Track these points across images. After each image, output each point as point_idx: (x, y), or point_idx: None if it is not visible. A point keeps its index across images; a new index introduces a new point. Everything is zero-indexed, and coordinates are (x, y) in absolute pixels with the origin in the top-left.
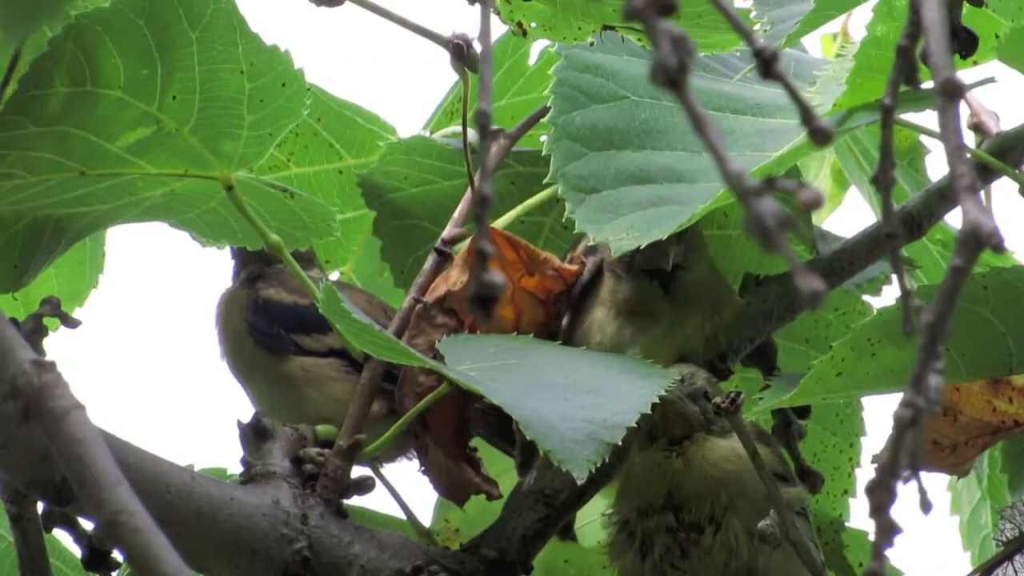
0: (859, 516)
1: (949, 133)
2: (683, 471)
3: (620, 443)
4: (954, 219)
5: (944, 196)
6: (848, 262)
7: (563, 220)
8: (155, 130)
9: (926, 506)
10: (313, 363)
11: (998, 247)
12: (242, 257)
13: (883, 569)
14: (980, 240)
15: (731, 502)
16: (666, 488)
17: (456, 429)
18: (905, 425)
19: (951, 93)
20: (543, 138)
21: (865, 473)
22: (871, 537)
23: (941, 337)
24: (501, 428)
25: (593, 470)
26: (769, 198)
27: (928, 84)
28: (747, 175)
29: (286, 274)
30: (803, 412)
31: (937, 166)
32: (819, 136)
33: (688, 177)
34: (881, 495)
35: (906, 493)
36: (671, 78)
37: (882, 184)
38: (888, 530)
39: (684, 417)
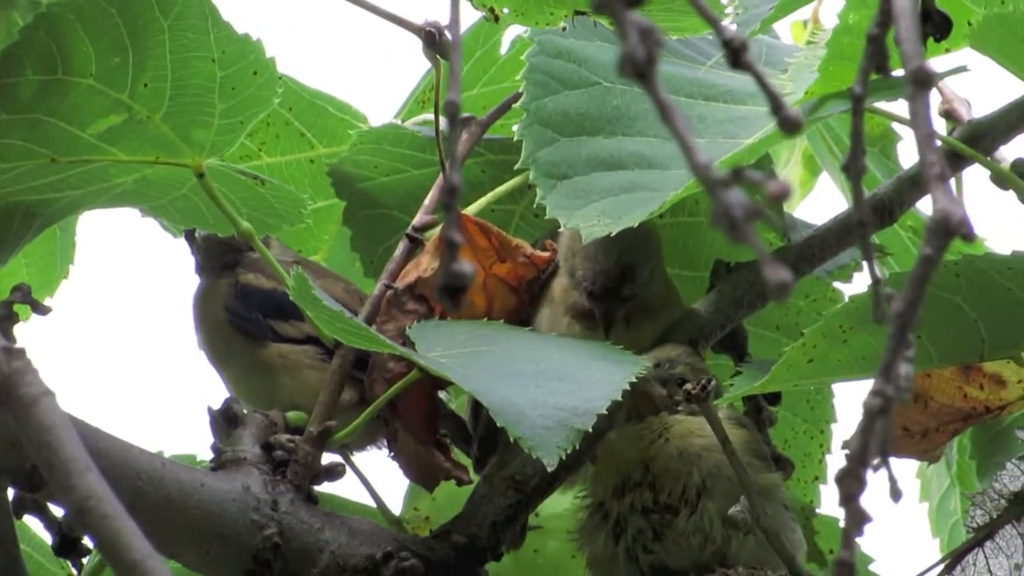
0: (830, 503)
1: (919, 121)
2: (657, 442)
3: (590, 430)
4: (925, 206)
5: (915, 183)
6: (819, 249)
7: (534, 208)
8: (126, 118)
9: (896, 494)
10: (290, 350)
11: (967, 236)
12: (205, 250)
13: (853, 557)
14: (950, 229)
15: (704, 485)
16: (642, 460)
17: (426, 415)
18: (875, 414)
19: (922, 82)
20: (516, 127)
21: (836, 460)
22: (842, 524)
23: (911, 325)
24: (460, 429)
25: (563, 457)
26: (737, 189)
27: (900, 72)
28: (714, 166)
29: (264, 261)
30: (774, 399)
31: (909, 154)
32: (788, 126)
33: (659, 164)
34: (851, 484)
35: (876, 480)
36: (639, 70)
37: (853, 172)
38: (858, 519)
39: (649, 399)
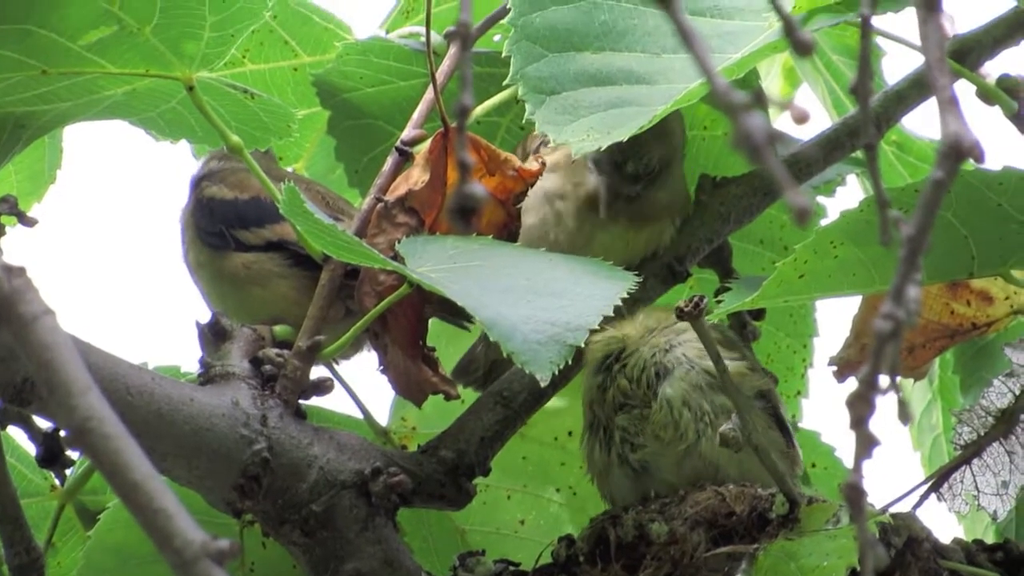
0: (812, 417)
1: (930, 45)
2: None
3: (582, 345)
4: (909, 122)
5: (901, 99)
6: (807, 164)
7: (520, 122)
8: (117, 29)
9: (905, 418)
10: (254, 259)
11: (978, 159)
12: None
13: (862, 482)
14: (961, 152)
15: (665, 367)
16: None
17: (414, 329)
18: (886, 337)
19: (930, 5)
20: (496, 38)
21: (818, 374)
22: (822, 438)
23: (922, 250)
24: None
25: (556, 372)
26: (757, 113)
27: None
28: (735, 91)
29: (228, 171)
30: (758, 314)
31: (892, 68)
32: (801, 48)
33: (648, 79)
34: (861, 407)
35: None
36: None
37: (861, 94)
38: (868, 443)
39: None
